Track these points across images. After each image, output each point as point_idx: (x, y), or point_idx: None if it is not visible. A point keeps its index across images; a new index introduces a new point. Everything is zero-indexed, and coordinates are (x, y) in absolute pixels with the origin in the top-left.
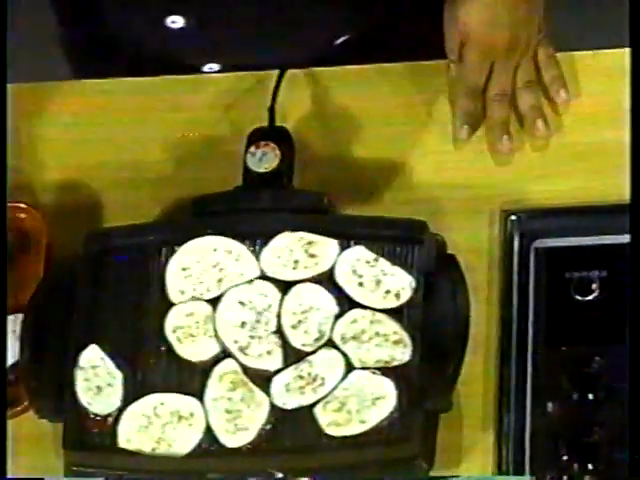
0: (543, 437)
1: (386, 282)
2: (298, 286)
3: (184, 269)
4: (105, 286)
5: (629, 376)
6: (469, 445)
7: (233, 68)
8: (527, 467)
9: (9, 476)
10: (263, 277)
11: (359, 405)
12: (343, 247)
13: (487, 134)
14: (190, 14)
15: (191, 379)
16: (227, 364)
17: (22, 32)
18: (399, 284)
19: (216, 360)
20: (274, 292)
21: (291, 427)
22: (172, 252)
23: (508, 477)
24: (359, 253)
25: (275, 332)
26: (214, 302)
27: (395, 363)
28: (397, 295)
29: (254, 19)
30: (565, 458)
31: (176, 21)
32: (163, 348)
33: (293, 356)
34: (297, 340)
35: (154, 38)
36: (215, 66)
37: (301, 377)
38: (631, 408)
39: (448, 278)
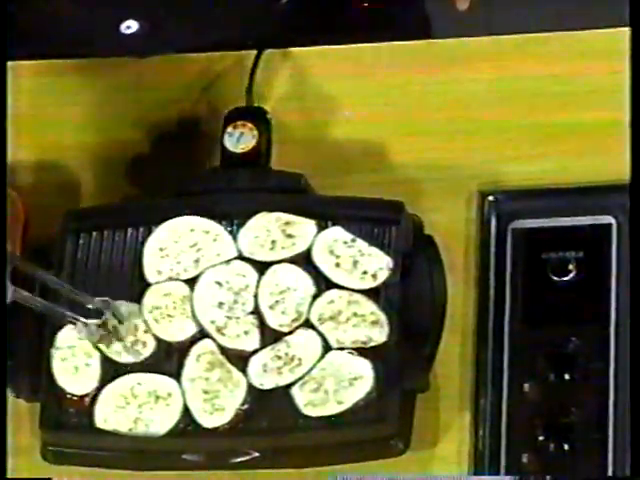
0: (520, 417)
1: (363, 263)
2: (275, 266)
3: (161, 249)
4: (82, 266)
5: (630, 375)
6: (446, 425)
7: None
8: (503, 447)
9: (9, 476)
10: (240, 257)
11: (336, 385)
12: (320, 227)
13: None
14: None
15: (168, 359)
16: (204, 344)
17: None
18: (376, 265)
19: (193, 340)
20: (251, 272)
21: (268, 407)
22: (149, 232)
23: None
24: (336, 234)
25: (252, 312)
26: (191, 282)
27: (372, 344)
28: (374, 276)
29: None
30: (541, 438)
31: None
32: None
33: (270, 336)
34: (274, 320)
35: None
36: None
37: (278, 357)
38: (632, 408)
39: (425, 259)
